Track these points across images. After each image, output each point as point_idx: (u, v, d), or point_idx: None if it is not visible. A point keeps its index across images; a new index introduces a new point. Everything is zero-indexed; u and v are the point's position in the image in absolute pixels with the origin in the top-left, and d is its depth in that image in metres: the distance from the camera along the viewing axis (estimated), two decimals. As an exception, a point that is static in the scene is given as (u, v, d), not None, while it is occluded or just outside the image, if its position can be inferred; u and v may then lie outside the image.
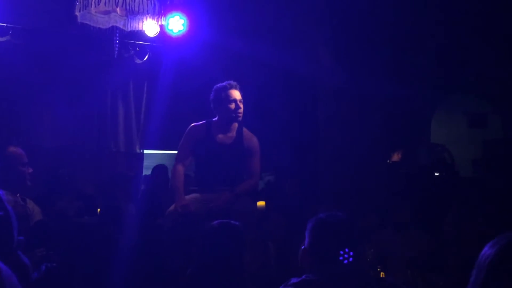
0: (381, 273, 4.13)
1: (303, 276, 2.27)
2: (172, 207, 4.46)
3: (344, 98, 6.45)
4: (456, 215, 4.70)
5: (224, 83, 4.61)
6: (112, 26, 4.55)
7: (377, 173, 6.39)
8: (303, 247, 2.36)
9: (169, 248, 4.35)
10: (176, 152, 4.82)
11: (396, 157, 7.28)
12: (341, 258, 2.21)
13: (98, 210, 5.69)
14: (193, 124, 4.69)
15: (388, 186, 6.21)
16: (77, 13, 4.37)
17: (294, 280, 2.27)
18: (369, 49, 6.48)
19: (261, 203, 5.39)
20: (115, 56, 5.20)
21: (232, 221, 3.33)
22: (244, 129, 4.65)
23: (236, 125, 4.62)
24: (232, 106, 4.53)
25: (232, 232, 3.24)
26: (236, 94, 4.56)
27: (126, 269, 4.07)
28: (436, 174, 7.17)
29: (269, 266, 4.46)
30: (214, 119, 4.65)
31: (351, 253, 2.22)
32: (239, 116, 4.56)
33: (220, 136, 4.59)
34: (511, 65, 6.98)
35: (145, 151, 7.09)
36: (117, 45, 5.00)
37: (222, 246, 3.16)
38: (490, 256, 1.75)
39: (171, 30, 5.52)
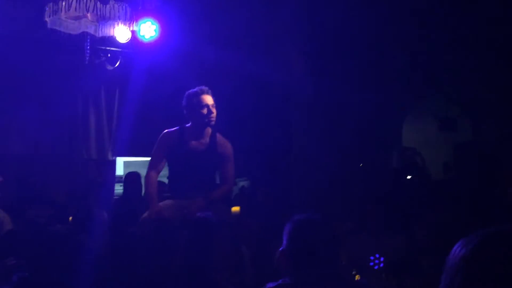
0: (356, 276, 4.15)
1: (280, 281, 2.28)
2: (146, 214, 4.43)
3: (316, 103, 6.48)
4: (428, 218, 4.74)
5: (195, 89, 4.59)
6: (83, 32, 4.50)
7: (350, 177, 6.44)
8: (280, 249, 2.37)
9: (143, 255, 4.32)
10: (148, 158, 4.79)
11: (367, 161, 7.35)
12: (371, 264, 2.25)
13: (70, 218, 5.62)
14: (166, 131, 4.66)
15: (361, 190, 6.25)
16: (47, 19, 4.31)
17: (270, 284, 2.27)
18: (340, 55, 6.54)
19: (235, 209, 5.39)
20: (86, 62, 5.14)
21: (207, 214, 3.35)
22: (218, 135, 4.64)
23: (209, 130, 4.60)
24: (205, 111, 4.51)
25: (205, 224, 3.27)
26: (208, 99, 4.55)
27: (98, 277, 4.03)
28: (408, 177, 7.24)
29: (243, 271, 4.44)
30: (187, 125, 4.63)
31: (382, 259, 2.25)
32: (212, 121, 4.54)
33: (194, 142, 4.57)
34: (481, 69, 7.11)
35: (118, 158, 7.03)
36: (88, 51, 4.94)
37: (204, 237, 3.19)
38: (465, 257, 1.74)
39: (143, 36, 5.49)
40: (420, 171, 7.41)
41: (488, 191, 5.24)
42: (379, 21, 6.61)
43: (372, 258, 2.24)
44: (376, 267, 2.22)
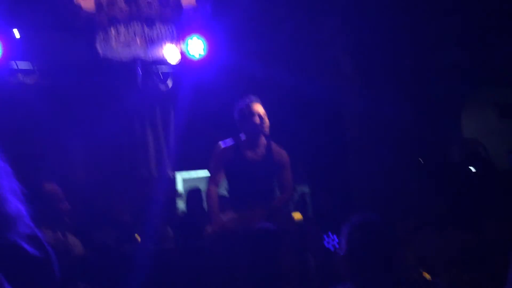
0: (426, 274, 4.07)
1: (339, 285, 2.25)
2: (209, 228, 4.49)
3: (369, 110, 6.40)
4: (497, 212, 4.61)
5: (245, 100, 4.63)
6: (134, 57, 4.62)
7: (410, 174, 6.32)
8: (340, 255, 2.33)
9: (209, 268, 4.38)
10: (205, 171, 4.85)
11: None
12: (325, 242, 2.18)
13: (137, 236, 5.76)
14: (222, 146, 4.69)
15: (423, 186, 6.13)
16: (98, 47, 4.45)
17: None
18: (392, 54, 6.44)
19: (297, 216, 5.39)
20: (139, 86, 5.26)
21: (268, 225, 3.36)
22: (273, 144, 4.66)
23: (264, 141, 4.63)
24: (257, 119, 4.55)
25: (268, 235, 3.28)
26: (259, 108, 4.59)
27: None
28: (472, 170, 7.05)
29: (308, 277, 4.44)
30: (242, 138, 4.67)
31: (335, 237, 2.20)
32: (265, 129, 4.57)
33: (249, 153, 4.61)
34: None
35: (178, 174, 7.14)
36: (140, 75, 5.06)
37: (258, 248, 3.20)
38: None
39: (193, 55, 5.57)
40: (484, 162, 7.20)
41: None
42: (437, 8, 6.46)
43: (325, 237, 2.16)
44: (332, 248, 2.15)
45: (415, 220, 5.08)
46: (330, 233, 2.12)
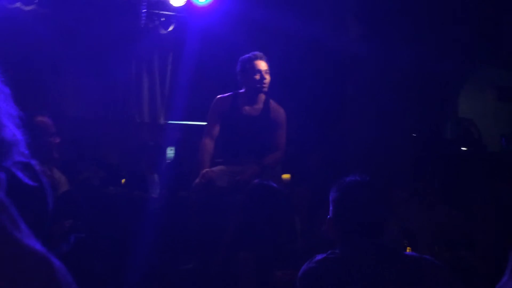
0: (408, 248, 4.08)
1: (328, 252, 2.18)
2: (198, 180, 4.44)
3: (372, 68, 6.34)
4: (484, 191, 4.62)
5: (249, 54, 4.55)
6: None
7: (403, 147, 6.30)
8: (328, 217, 2.23)
9: (194, 220, 4.35)
10: (200, 123, 4.79)
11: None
12: None
13: (123, 180, 5.71)
14: (219, 96, 4.65)
15: (414, 160, 6.12)
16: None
17: (318, 257, 2.17)
18: (398, 18, 6.33)
19: (286, 176, 5.35)
20: (142, 26, 5.12)
21: (272, 183, 3.32)
22: (271, 101, 4.59)
23: (263, 96, 4.56)
24: (258, 77, 4.48)
25: (273, 192, 3.23)
26: (261, 65, 4.50)
27: (150, 240, 4.10)
28: (463, 148, 7.06)
29: (295, 239, 4.43)
30: (240, 91, 4.60)
31: None
32: (264, 87, 4.50)
33: (247, 108, 4.55)
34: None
35: (170, 122, 7.06)
36: (144, 15, 4.92)
37: (265, 203, 3.16)
38: None
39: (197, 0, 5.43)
40: (475, 142, 7.21)
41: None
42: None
43: None
44: None
45: (403, 192, 5.08)
46: None
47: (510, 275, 1.77)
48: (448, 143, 7.26)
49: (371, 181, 2.21)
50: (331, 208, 2.22)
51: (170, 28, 6.35)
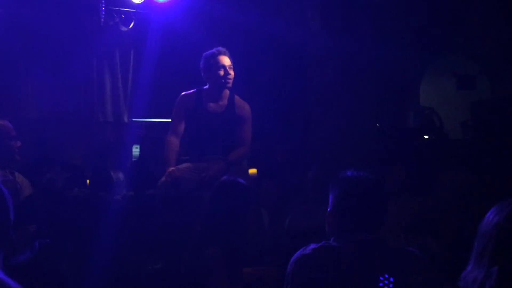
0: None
1: (323, 242, 2.19)
2: (164, 178, 4.42)
3: (333, 62, 6.38)
4: (447, 178, 4.69)
5: (213, 50, 4.54)
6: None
7: (367, 138, 6.37)
8: (328, 210, 2.24)
9: (161, 218, 4.33)
10: (165, 120, 4.76)
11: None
12: (381, 284, 2.08)
13: (88, 181, 5.63)
14: (183, 93, 4.62)
15: (379, 150, 6.19)
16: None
17: (313, 245, 2.17)
18: (357, 11, 6.38)
19: (253, 171, 5.35)
20: (101, 24, 5.04)
21: (239, 179, 3.32)
22: (236, 97, 4.59)
23: (227, 92, 4.56)
24: (221, 72, 4.47)
25: (241, 189, 3.24)
26: (225, 60, 4.49)
27: (117, 240, 4.05)
28: (425, 137, 7.17)
29: (263, 233, 4.45)
30: (204, 87, 4.58)
31: (391, 279, 2.10)
32: (229, 83, 4.49)
33: (211, 104, 4.54)
34: (500, 26, 6.93)
35: (134, 120, 6.99)
36: (103, 12, 4.84)
37: (233, 200, 3.16)
38: (498, 224, 1.70)
39: (157, -4, 5.37)
40: (437, 130, 7.33)
41: (506, 150, 5.17)
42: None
43: (381, 278, 2.05)
44: None
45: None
46: (386, 275, 2.00)
47: (475, 264, 1.79)
48: (411, 132, 7.37)
49: (372, 177, 2.24)
50: (330, 201, 2.25)
51: (131, 25, 6.27)
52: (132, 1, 5.48)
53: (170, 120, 4.72)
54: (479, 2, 6.87)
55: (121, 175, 5.77)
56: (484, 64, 8.14)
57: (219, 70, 4.46)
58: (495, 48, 7.25)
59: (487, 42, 7.27)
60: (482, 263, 1.74)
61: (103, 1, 4.69)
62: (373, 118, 6.84)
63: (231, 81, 4.50)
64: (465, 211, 3.99)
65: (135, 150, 6.60)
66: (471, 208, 3.91)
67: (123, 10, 6.25)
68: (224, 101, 4.54)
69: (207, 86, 4.57)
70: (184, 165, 4.53)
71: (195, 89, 4.60)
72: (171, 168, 4.39)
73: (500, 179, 4.32)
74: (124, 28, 6.27)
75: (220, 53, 4.49)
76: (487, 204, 1.90)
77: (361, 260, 2.10)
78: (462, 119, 7.52)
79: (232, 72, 4.48)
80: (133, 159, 6.47)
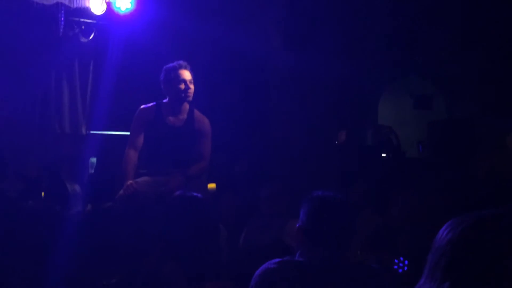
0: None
1: (287, 257, 2.25)
2: (121, 191, 4.36)
3: (294, 78, 6.44)
4: (403, 195, 4.76)
5: (174, 63, 4.52)
6: (57, 2, 4.35)
7: (326, 154, 6.43)
8: (298, 225, 2.31)
9: (118, 231, 4.26)
10: (123, 133, 4.71)
11: (342, 137, 7.34)
12: (395, 267, 2.17)
13: (42, 193, 5.51)
14: (142, 107, 4.59)
15: (338, 167, 6.26)
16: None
17: (278, 260, 2.23)
18: (318, 30, 6.48)
19: (211, 185, 5.34)
20: (60, 34, 4.97)
21: (194, 193, 3.30)
22: (195, 111, 4.58)
23: (187, 106, 4.54)
24: (182, 86, 4.45)
25: (196, 203, 3.22)
26: (186, 74, 4.48)
27: (73, 253, 3.97)
28: (383, 155, 7.27)
29: (219, 249, 4.42)
30: (164, 101, 4.55)
31: (406, 262, 2.17)
32: (189, 97, 4.48)
33: (171, 118, 4.51)
34: (456, 48, 7.13)
35: (92, 132, 6.90)
36: (62, 23, 4.78)
37: (188, 215, 3.14)
38: (451, 241, 1.73)
39: (119, 7, 5.33)
40: (395, 149, 7.45)
41: (462, 168, 5.29)
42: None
43: (396, 261, 2.15)
44: (400, 270, 2.15)
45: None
46: (401, 258, 2.12)
47: (427, 278, 1.82)
48: (370, 149, 7.47)
49: (344, 198, 2.35)
50: (302, 218, 2.31)
51: (91, 36, 6.21)
52: (93, 12, 5.42)
53: (128, 133, 4.67)
54: (436, 24, 7.06)
55: (77, 188, 5.69)
56: (441, 85, 8.35)
57: (180, 84, 4.44)
58: (452, 69, 7.46)
59: (444, 63, 7.48)
60: (434, 278, 1.76)
61: (63, 12, 4.62)
62: (332, 135, 6.92)
63: (191, 95, 4.48)
64: (421, 228, 4.05)
65: (92, 162, 6.51)
66: (426, 226, 3.98)
67: (83, 21, 6.19)
68: (184, 115, 4.52)
69: (166, 100, 4.54)
70: (142, 178, 4.48)
71: (154, 103, 4.57)
72: (129, 182, 4.33)
73: (454, 197, 4.42)
74: (84, 39, 6.20)
75: (181, 67, 4.48)
76: (441, 221, 1.94)
77: (325, 276, 2.16)
78: (419, 138, 7.67)
79: (192, 86, 4.47)
80: (90, 172, 6.37)
